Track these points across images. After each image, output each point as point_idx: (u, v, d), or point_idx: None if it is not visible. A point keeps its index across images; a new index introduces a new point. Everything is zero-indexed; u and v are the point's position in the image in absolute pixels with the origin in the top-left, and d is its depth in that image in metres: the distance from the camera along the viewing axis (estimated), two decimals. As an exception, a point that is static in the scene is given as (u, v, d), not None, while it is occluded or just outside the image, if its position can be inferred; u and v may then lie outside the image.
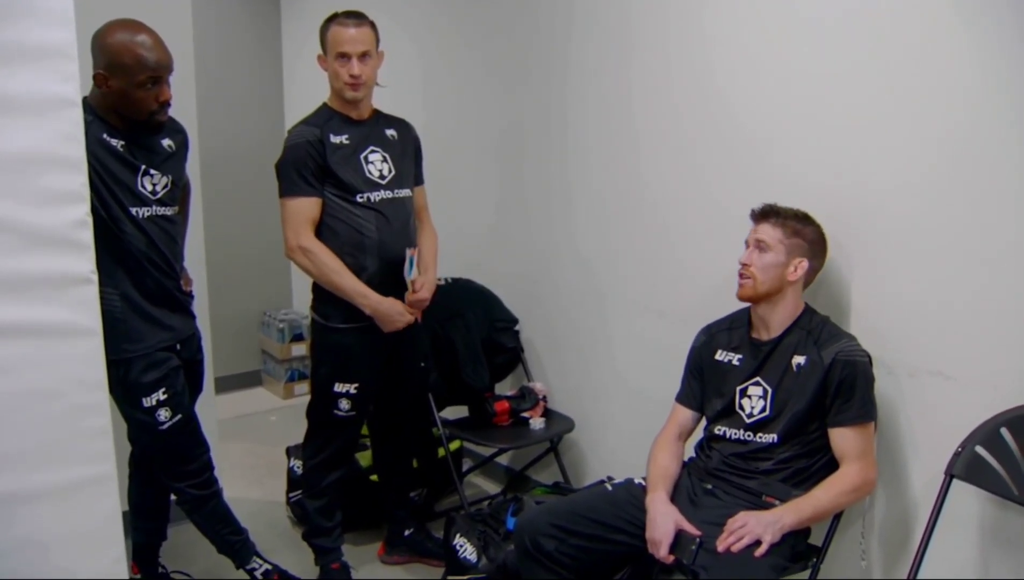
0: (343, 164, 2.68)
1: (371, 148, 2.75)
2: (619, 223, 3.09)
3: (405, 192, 2.81)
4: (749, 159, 2.61)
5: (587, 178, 3.20)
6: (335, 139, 2.68)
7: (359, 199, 2.69)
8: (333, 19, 2.68)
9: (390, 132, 2.83)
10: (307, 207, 2.67)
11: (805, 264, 2.23)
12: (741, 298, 2.30)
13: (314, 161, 2.65)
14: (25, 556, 1.76)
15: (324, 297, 2.74)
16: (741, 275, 2.27)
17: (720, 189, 2.69)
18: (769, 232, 2.24)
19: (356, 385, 2.76)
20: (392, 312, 2.71)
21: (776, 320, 2.28)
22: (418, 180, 2.93)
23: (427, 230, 2.96)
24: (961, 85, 2.08)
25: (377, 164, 2.75)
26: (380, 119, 2.83)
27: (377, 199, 2.72)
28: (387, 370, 2.86)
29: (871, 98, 2.27)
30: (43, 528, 1.77)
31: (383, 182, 2.74)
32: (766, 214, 2.27)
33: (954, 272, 2.13)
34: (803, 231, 2.24)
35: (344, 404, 2.78)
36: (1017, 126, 2.00)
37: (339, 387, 2.75)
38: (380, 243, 2.70)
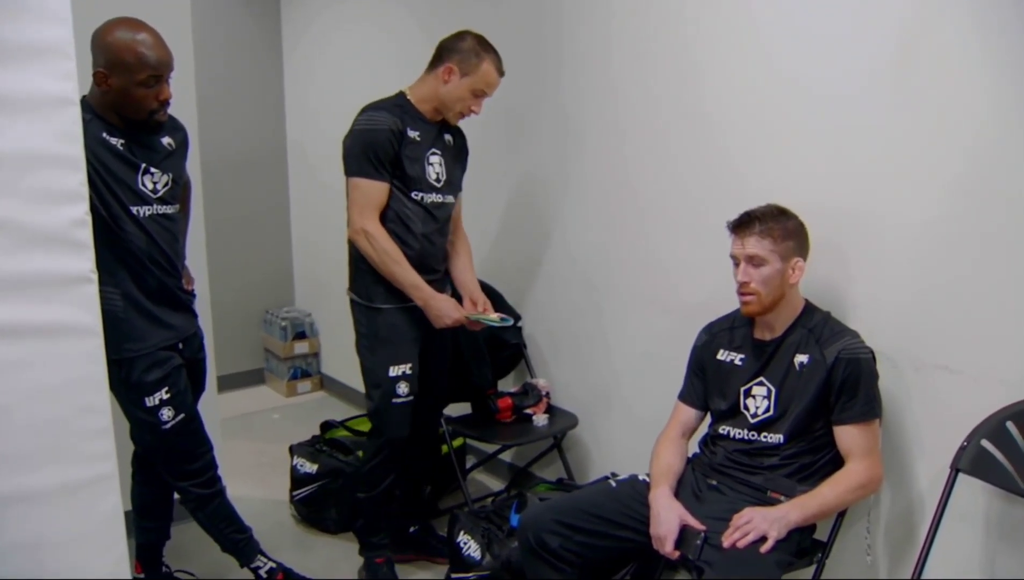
0: (412, 159, 2.71)
1: (433, 149, 2.78)
2: (621, 219, 3.08)
3: (451, 198, 2.85)
4: (749, 153, 2.60)
5: (588, 174, 3.19)
6: (411, 133, 2.71)
7: (414, 196, 2.72)
8: (490, 51, 2.73)
9: (448, 137, 2.85)
10: (377, 191, 2.68)
11: (801, 262, 2.20)
12: (748, 315, 2.27)
13: (393, 149, 2.66)
14: (27, 557, 1.75)
15: (367, 277, 2.75)
16: (742, 293, 2.22)
17: (721, 184, 2.68)
18: (759, 245, 2.17)
19: (409, 365, 2.77)
20: (445, 307, 2.74)
21: (778, 321, 2.26)
22: (460, 187, 2.95)
23: (462, 240, 3.01)
24: (958, 80, 2.07)
25: (436, 166, 2.78)
26: (443, 122, 2.84)
27: (428, 201, 2.76)
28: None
29: (872, 98, 2.26)
30: (45, 528, 1.76)
31: (438, 185, 2.78)
32: (747, 225, 2.19)
33: (959, 265, 2.12)
34: (788, 230, 2.18)
35: (402, 388, 2.77)
36: (1017, 112, 1.99)
37: (394, 370, 2.75)
38: (423, 237, 2.75)
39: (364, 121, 2.68)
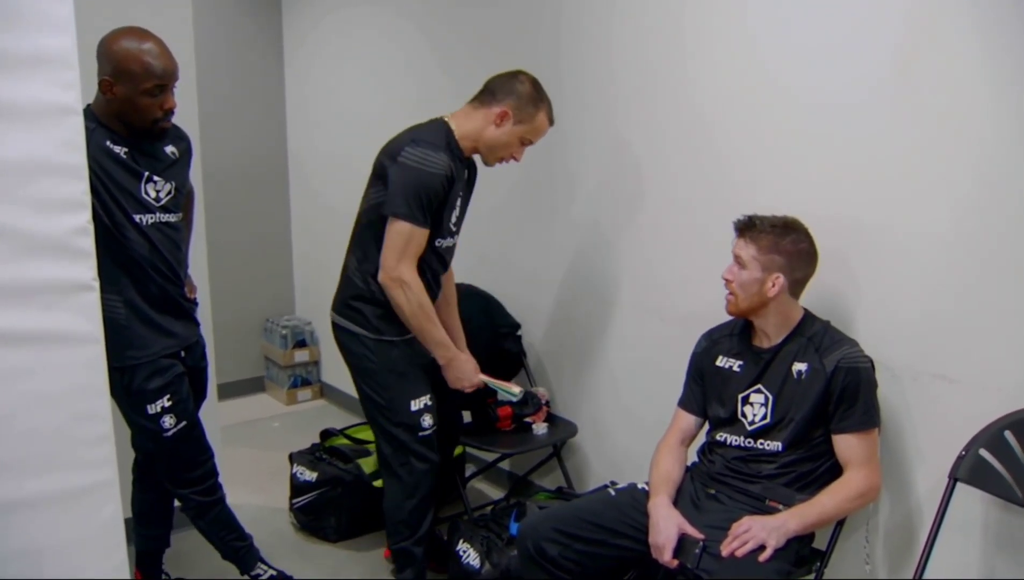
0: (450, 206, 2.58)
1: (460, 192, 2.65)
2: (620, 227, 3.08)
3: (457, 238, 2.74)
4: (747, 163, 2.61)
5: (587, 181, 3.20)
6: (456, 178, 2.55)
7: (436, 242, 2.61)
8: (545, 99, 2.61)
9: (467, 172, 2.70)
10: (420, 238, 2.51)
11: (781, 279, 2.18)
12: (728, 312, 2.30)
13: (442, 196, 2.51)
14: (26, 563, 1.76)
15: (375, 309, 2.60)
16: (726, 289, 2.27)
17: (720, 194, 2.69)
18: (743, 248, 2.21)
19: (428, 395, 2.66)
20: (467, 370, 2.66)
21: (771, 329, 2.27)
22: None
23: (451, 284, 2.91)
24: (961, 90, 2.08)
25: (457, 210, 2.66)
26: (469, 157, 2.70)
27: (443, 245, 2.66)
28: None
29: (873, 108, 2.27)
30: (44, 535, 1.77)
31: (454, 230, 2.68)
32: (743, 225, 2.23)
33: (956, 274, 2.13)
34: (780, 245, 2.18)
35: (427, 420, 2.65)
36: (1016, 122, 2.00)
37: (415, 404, 2.63)
38: (433, 280, 2.68)
39: (421, 159, 2.46)
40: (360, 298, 2.63)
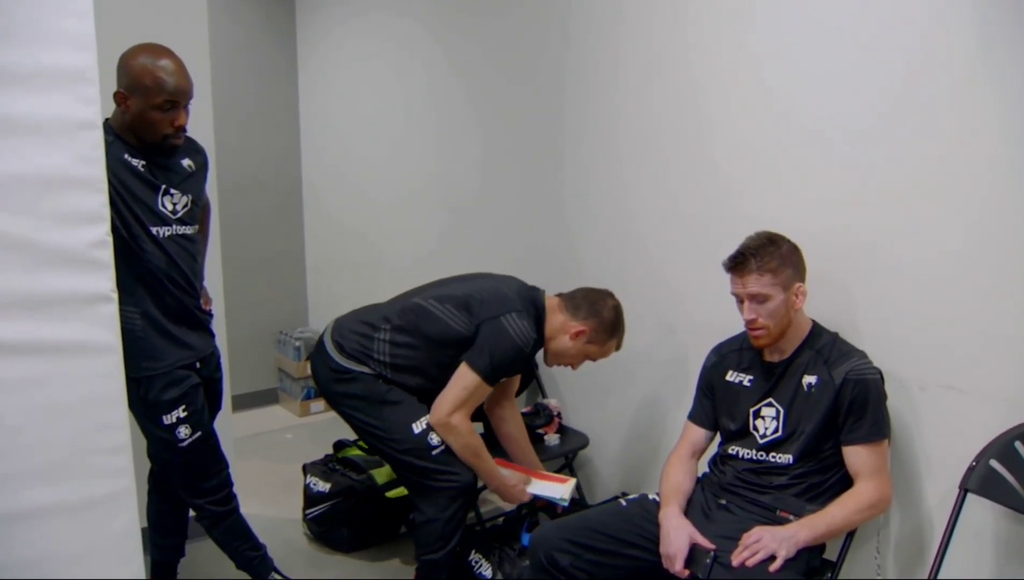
0: None
1: None
2: (630, 238, 3.10)
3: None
4: (759, 178, 2.62)
5: (598, 194, 3.22)
6: (531, 358, 2.79)
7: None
8: (620, 329, 2.77)
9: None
10: (482, 396, 2.69)
11: (803, 286, 2.20)
12: (761, 347, 2.29)
13: (517, 370, 2.80)
14: (43, 572, 1.77)
15: (374, 369, 2.68)
16: (752, 329, 2.23)
17: (730, 207, 2.70)
18: (759, 282, 2.17)
19: (427, 416, 2.67)
20: (516, 493, 2.78)
21: (787, 343, 2.27)
22: None
23: (519, 425, 3.06)
24: (962, 113, 2.09)
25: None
26: None
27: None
28: None
29: (878, 131, 2.28)
30: (61, 544, 1.79)
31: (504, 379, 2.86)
32: (743, 264, 2.19)
33: (964, 285, 2.13)
34: (783, 257, 2.19)
35: (434, 438, 2.64)
36: (1017, 129, 2.01)
37: (418, 426, 2.64)
38: None
39: (520, 332, 2.62)
40: (365, 356, 2.69)
